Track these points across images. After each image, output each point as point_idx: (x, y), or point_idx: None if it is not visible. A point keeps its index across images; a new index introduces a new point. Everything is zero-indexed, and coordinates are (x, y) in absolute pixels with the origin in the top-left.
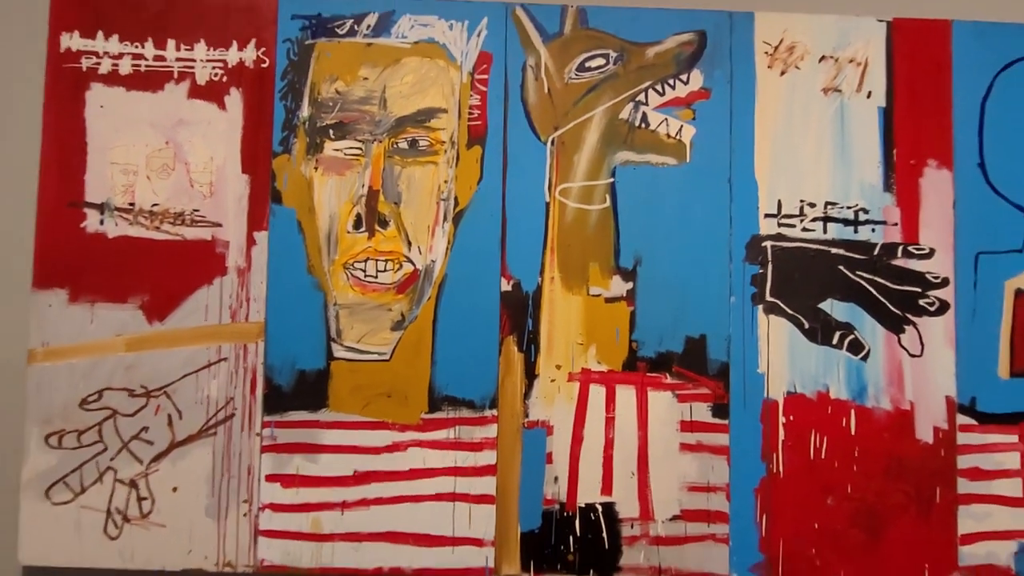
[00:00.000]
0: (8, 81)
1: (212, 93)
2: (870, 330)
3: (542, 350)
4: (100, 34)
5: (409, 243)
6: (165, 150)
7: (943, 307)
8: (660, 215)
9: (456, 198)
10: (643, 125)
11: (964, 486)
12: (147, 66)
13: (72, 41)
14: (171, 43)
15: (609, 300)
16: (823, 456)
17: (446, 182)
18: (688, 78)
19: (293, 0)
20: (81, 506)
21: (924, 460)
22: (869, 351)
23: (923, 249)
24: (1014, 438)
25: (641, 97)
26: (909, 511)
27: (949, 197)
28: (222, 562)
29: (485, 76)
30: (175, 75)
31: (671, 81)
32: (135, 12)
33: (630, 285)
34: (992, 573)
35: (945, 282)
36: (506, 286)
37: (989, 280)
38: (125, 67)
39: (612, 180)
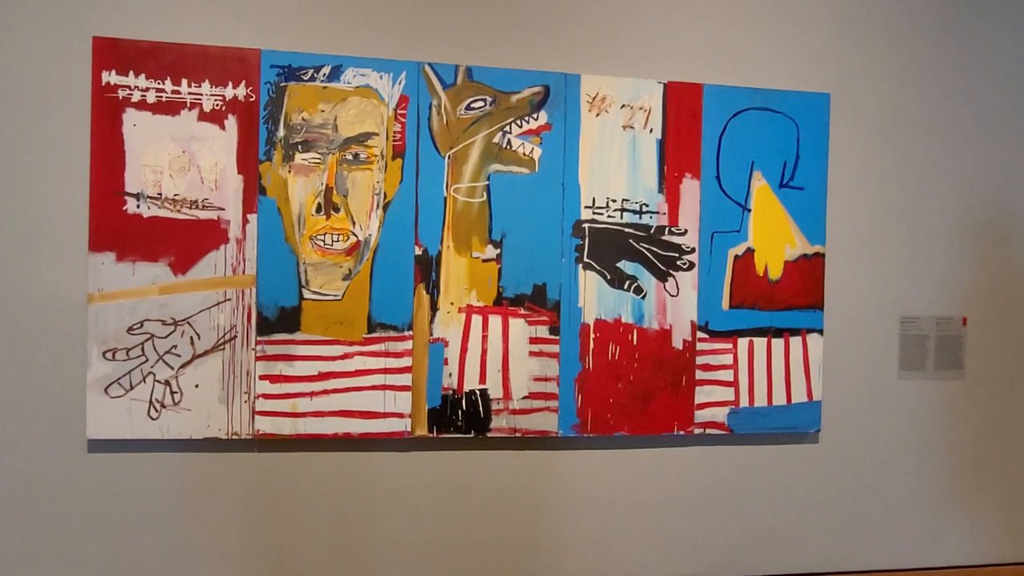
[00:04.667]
0: (64, 105)
1: (215, 118)
2: (647, 280)
3: (441, 292)
4: (131, 73)
5: (354, 222)
6: (182, 157)
7: (691, 266)
8: (518, 206)
9: (385, 193)
10: (508, 146)
11: (699, 375)
12: (167, 97)
13: (111, 77)
14: (184, 81)
15: (485, 260)
16: (616, 358)
17: (379, 182)
18: (538, 116)
19: (272, 54)
20: (131, 398)
21: (676, 359)
22: (646, 293)
23: (680, 230)
24: (729, 346)
25: (507, 128)
26: (667, 390)
27: (696, 197)
28: (230, 432)
29: (404, 111)
30: (188, 104)
31: (526, 118)
32: (156, 58)
33: (498, 251)
34: (713, 426)
35: (693, 250)
36: (418, 251)
37: (719, 249)
38: (151, 97)
39: (487, 183)
